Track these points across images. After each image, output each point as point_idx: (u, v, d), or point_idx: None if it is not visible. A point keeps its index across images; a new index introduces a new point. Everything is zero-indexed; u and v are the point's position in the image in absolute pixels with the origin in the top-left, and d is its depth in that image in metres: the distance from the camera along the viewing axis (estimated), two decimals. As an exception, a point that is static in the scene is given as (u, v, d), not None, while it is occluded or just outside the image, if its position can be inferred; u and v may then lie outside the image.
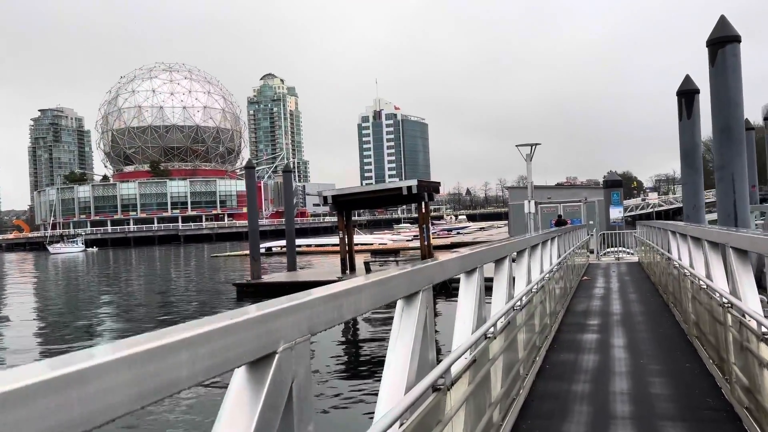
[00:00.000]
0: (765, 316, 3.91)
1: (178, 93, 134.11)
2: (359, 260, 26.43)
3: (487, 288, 4.51)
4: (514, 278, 5.92)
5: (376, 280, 2.44)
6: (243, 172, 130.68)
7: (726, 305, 4.91)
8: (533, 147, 24.20)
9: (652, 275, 14.91)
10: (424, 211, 25.52)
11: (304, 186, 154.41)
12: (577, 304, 11.82)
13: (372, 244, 52.57)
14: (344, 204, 25.34)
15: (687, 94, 14.38)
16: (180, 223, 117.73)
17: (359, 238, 56.40)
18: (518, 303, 5.61)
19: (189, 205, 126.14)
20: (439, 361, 3.03)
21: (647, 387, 5.90)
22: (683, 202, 15.48)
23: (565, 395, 5.79)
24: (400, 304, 2.81)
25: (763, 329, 3.63)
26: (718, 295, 5.42)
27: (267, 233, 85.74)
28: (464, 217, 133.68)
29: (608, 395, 5.73)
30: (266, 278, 26.20)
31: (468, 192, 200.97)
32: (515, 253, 6.74)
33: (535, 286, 6.91)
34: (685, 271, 7.63)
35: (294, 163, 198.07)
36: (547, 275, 8.35)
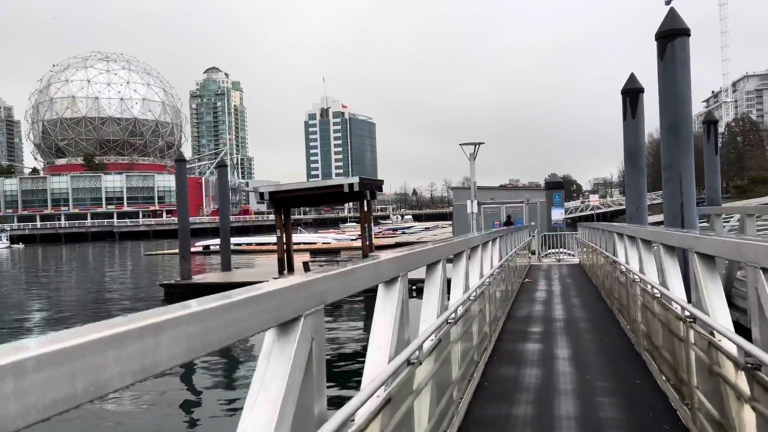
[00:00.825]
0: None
1: (116, 84, 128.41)
2: (299, 260, 25.33)
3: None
4: (449, 280, 5.14)
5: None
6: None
7: (688, 319, 4.23)
8: (477, 146, 23.71)
9: (595, 278, 14.54)
10: (366, 209, 24.66)
11: (247, 183, 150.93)
12: (518, 308, 11.20)
13: (315, 243, 51.53)
14: (282, 201, 24.16)
15: (632, 93, 14.06)
16: (115, 220, 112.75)
17: (302, 237, 55.34)
18: (452, 315, 4.78)
19: (125, 201, 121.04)
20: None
21: (596, 410, 5.19)
22: (626, 204, 15.19)
23: (504, 421, 5.01)
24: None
25: (747, 359, 2.89)
26: (677, 306, 4.75)
27: (208, 231, 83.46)
28: (410, 217, 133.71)
29: (553, 420, 4.98)
30: (197, 278, 24.69)
31: (414, 192, 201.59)
32: (452, 255, 5.96)
33: (474, 293, 6.12)
34: (635, 276, 7.03)
35: (238, 159, 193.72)
36: (488, 279, 7.60)
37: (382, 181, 25.86)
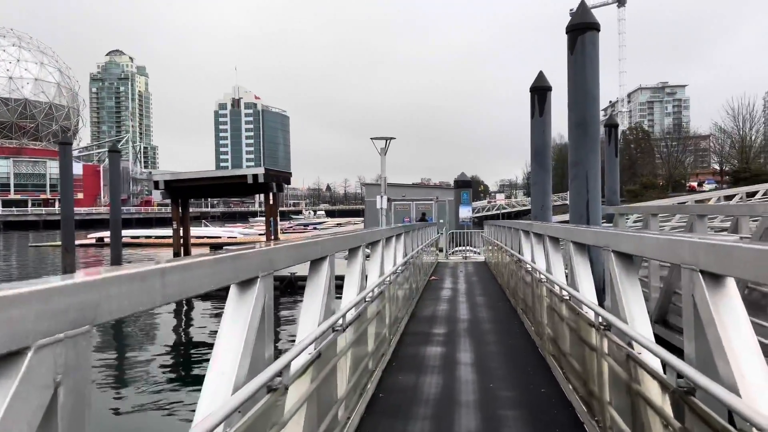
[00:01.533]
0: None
1: (4, 61, 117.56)
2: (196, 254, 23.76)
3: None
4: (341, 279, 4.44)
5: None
6: (79, 152, 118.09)
7: (602, 326, 3.75)
8: (388, 141, 23.23)
9: (500, 276, 14.40)
10: (272, 202, 23.57)
11: (150, 172, 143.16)
12: (423, 308, 10.71)
13: (220, 238, 49.28)
14: (180, 191, 22.54)
15: (540, 91, 14.01)
16: (0, 208, 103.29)
17: (207, 230, 52.79)
18: (340, 322, 4.07)
19: (12, 188, 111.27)
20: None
21: (500, 425, 4.66)
22: (531, 202, 15.18)
23: (397, 442, 4.36)
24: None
25: (679, 380, 2.37)
26: (588, 310, 4.30)
27: (107, 222, 78.17)
28: (323, 212, 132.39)
29: (452, 439, 4.40)
30: (82, 273, 22.51)
31: (328, 188, 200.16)
32: (348, 252, 5.26)
33: (370, 294, 5.45)
34: (541, 276, 6.64)
35: (140, 147, 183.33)
36: (389, 278, 6.97)
37: (290, 173, 24.84)
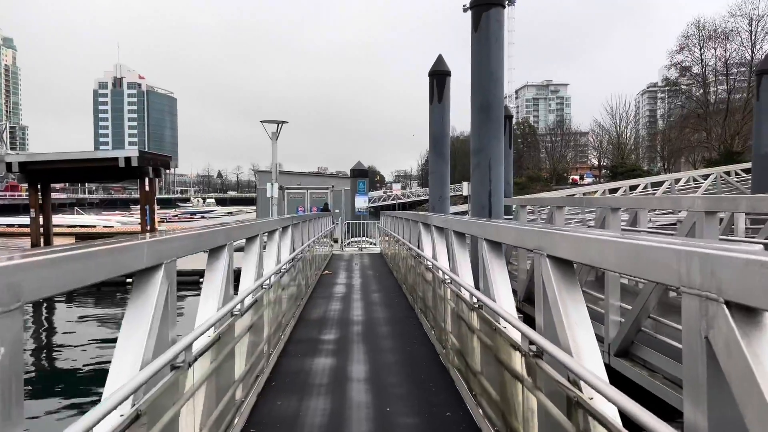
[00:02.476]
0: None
1: None
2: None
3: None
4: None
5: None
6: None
7: (530, 353, 2.90)
8: (279, 125, 21.82)
9: (396, 270, 13.66)
10: (148, 188, 21.35)
11: (18, 153, 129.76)
12: (313, 308, 9.66)
13: (95, 227, 45.20)
14: (39, 174, 19.78)
15: (439, 76, 13.35)
16: None
17: (79, 218, 48.35)
18: (180, 357, 2.92)
19: None
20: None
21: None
22: (429, 192, 14.55)
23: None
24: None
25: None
26: (505, 325, 3.45)
27: (-38, 208, 69.79)
28: (213, 200, 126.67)
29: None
30: None
31: (220, 175, 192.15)
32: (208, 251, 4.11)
33: (239, 307, 4.31)
34: (445, 276, 5.81)
35: (5, 126, 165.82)
36: (268, 281, 5.84)
37: (170, 156, 22.66)
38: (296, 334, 7.65)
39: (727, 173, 24.83)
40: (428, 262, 7.21)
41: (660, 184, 24.62)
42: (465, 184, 25.39)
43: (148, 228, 20.64)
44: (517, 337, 3.21)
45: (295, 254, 8.32)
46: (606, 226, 6.71)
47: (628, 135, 72.55)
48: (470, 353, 4.59)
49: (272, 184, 19.91)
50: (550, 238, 2.80)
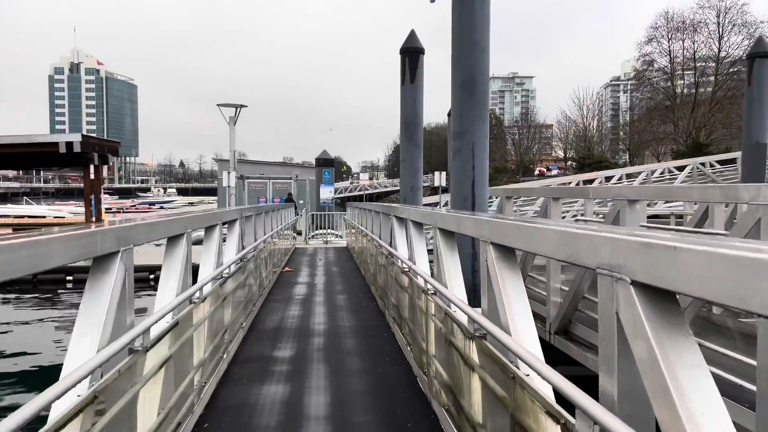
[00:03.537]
0: None
1: None
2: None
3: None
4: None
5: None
6: None
7: (532, 393, 1.72)
8: (238, 109, 20.32)
9: (364, 267, 12.43)
10: (94, 176, 19.57)
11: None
12: (269, 313, 8.38)
13: (44, 217, 42.76)
14: (-32, 161, 17.83)
15: (411, 53, 12.12)
16: None
17: (26, 208, 45.79)
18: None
19: None
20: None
21: None
22: (401, 182, 13.34)
23: None
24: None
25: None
26: (503, 339, 2.28)
27: None
28: (174, 190, 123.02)
29: None
30: None
31: (182, 164, 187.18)
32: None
33: (157, 329, 3.03)
34: (428, 286, 4.59)
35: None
36: (203, 289, 4.55)
37: (118, 142, 20.84)
38: (244, 350, 6.36)
39: (703, 164, 24.35)
40: (403, 264, 6.00)
41: (635, 175, 24.00)
42: (437, 174, 24.30)
43: (93, 219, 18.91)
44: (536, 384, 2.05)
45: (244, 253, 7.00)
46: (622, 223, 5.61)
47: (594, 126, 72.70)
48: (468, 391, 3.39)
49: (229, 173, 18.40)
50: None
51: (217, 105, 19.99)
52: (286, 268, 13.53)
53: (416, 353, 5.28)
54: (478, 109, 7.33)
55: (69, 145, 17.64)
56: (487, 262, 2.98)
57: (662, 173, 23.89)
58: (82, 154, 18.20)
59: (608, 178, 22.18)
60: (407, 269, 5.87)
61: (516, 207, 11.24)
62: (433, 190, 24.86)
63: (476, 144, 7.31)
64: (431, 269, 5.02)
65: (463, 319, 3.47)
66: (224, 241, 6.54)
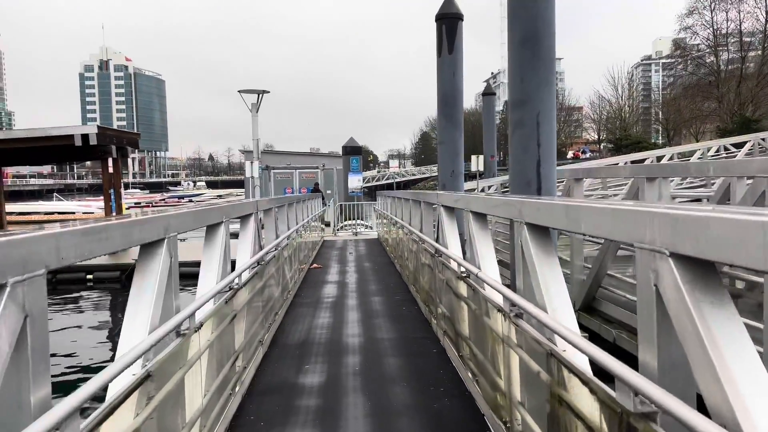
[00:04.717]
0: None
1: None
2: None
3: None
4: None
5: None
6: None
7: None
8: (260, 95, 19.17)
9: (400, 263, 11.15)
10: (113, 170, 18.72)
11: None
12: (293, 323, 7.17)
13: (73, 213, 42.81)
14: (-17, 157, 17.10)
15: (448, 20, 10.72)
16: None
17: (56, 205, 46.14)
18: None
19: None
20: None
21: None
22: (439, 166, 11.98)
23: None
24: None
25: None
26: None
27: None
28: (203, 183, 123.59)
29: None
30: None
31: (211, 157, 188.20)
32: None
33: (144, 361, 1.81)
34: (509, 307, 3.29)
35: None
36: (212, 303, 3.34)
37: (138, 134, 19.94)
38: (263, 376, 5.15)
39: (763, 140, 22.35)
40: (460, 269, 4.68)
41: (687, 154, 22.17)
42: (474, 158, 22.82)
43: (113, 215, 18.05)
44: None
45: (262, 255, 5.77)
46: (733, 200, 4.28)
47: (630, 105, 69.76)
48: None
49: (252, 163, 17.27)
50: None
51: (238, 91, 18.87)
52: (314, 265, 12.35)
53: (487, 389, 3.96)
54: (543, 72, 5.94)
55: (85, 137, 16.75)
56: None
57: (718, 151, 22.01)
58: (100, 147, 17.30)
59: (659, 158, 20.45)
60: (465, 274, 4.56)
61: (588, 191, 9.81)
62: (471, 176, 23.34)
63: (542, 115, 5.92)
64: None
65: (582, 365, 2.23)
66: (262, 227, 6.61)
